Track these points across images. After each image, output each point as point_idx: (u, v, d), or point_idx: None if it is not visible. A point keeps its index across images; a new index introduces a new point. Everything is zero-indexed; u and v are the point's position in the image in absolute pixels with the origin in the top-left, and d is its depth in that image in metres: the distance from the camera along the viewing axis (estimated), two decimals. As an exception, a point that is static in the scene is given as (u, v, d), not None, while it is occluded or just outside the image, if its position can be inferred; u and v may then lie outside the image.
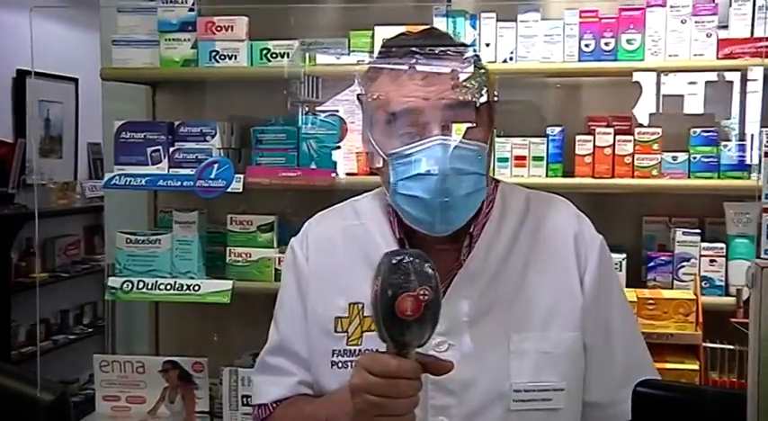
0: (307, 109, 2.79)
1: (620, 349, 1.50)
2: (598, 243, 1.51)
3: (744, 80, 2.65)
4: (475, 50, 1.51)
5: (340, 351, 1.47)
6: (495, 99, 1.49)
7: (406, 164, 1.37)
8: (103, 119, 3.08)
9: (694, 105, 2.64)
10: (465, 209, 1.41)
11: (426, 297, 1.17)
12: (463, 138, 1.37)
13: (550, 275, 1.47)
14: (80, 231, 5.84)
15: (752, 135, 2.60)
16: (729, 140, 2.59)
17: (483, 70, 1.46)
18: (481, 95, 1.43)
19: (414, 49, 1.41)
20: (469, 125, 1.39)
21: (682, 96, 2.64)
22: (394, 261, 1.20)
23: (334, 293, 1.49)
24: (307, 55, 2.75)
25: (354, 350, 1.45)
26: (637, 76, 2.64)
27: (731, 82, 2.64)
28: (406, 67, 1.39)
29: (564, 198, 1.60)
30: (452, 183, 1.35)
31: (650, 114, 2.66)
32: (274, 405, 1.54)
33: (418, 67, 1.39)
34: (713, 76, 2.60)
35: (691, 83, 2.63)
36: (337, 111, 2.75)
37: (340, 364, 1.46)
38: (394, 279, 1.18)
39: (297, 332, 1.53)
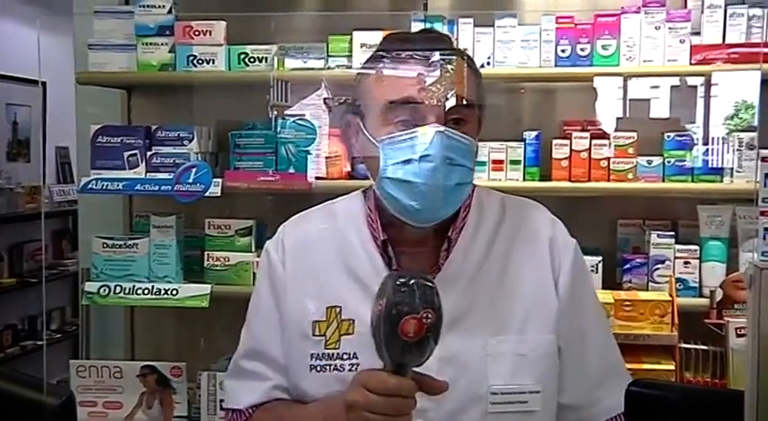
0: (278, 113, 2.79)
1: (593, 351, 1.52)
2: (572, 247, 1.54)
3: (709, 85, 2.69)
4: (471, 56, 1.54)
5: (318, 354, 1.47)
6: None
7: (399, 149, 1.39)
8: (77, 123, 3.06)
9: (668, 110, 2.68)
10: (452, 199, 1.42)
11: (429, 320, 1.19)
12: (458, 130, 1.40)
13: (526, 279, 1.49)
14: (48, 236, 5.78)
15: (721, 139, 2.64)
16: (702, 145, 2.63)
17: (478, 73, 1.50)
18: (475, 95, 1.45)
19: (415, 42, 1.45)
20: (463, 120, 1.41)
21: (656, 101, 2.68)
22: (399, 282, 1.21)
23: (312, 297, 1.49)
24: (284, 59, 2.75)
25: (333, 353, 1.46)
26: (611, 81, 2.68)
27: (703, 87, 2.68)
28: (405, 58, 1.42)
29: (539, 202, 1.62)
30: (444, 172, 1.37)
31: (624, 119, 2.69)
32: (250, 410, 1.53)
33: (418, 59, 1.41)
34: (686, 81, 2.64)
35: (663, 88, 2.67)
36: (303, 115, 2.76)
37: (319, 368, 1.46)
38: (398, 300, 1.19)
39: (272, 336, 1.53)
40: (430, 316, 1.19)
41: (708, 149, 2.60)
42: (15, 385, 1.09)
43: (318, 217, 1.60)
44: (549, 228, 1.54)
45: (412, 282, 1.20)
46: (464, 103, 1.41)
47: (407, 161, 1.38)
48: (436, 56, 1.41)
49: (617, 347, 1.59)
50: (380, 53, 1.47)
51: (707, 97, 2.66)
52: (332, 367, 1.45)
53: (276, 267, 1.55)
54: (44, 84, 5.69)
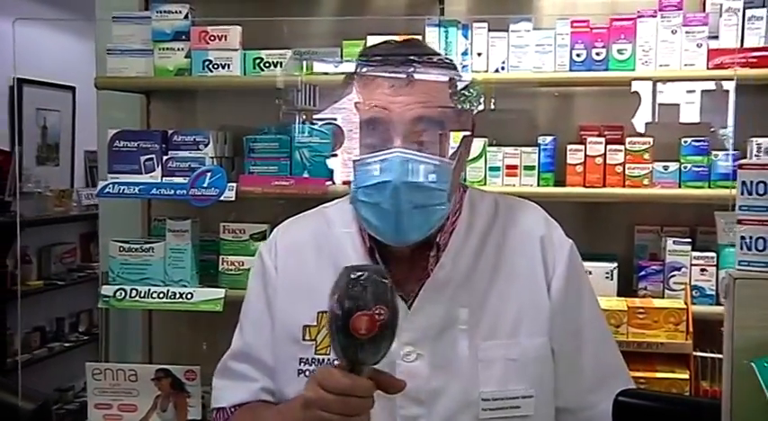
0: (305, 117, 2.80)
1: (589, 354, 1.50)
2: (567, 248, 1.51)
3: (735, 90, 2.65)
4: (453, 62, 1.51)
5: (307, 359, 1.46)
6: (480, 109, 1.50)
7: (365, 172, 1.38)
8: (98, 127, 3.10)
9: (685, 115, 2.64)
10: (422, 222, 1.40)
11: (381, 317, 1.16)
12: (426, 151, 1.38)
13: (518, 281, 1.47)
14: (76, 239, 5.84)
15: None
16: (720, 150, 2.59)
17: (459, 82, 1.47)
18: (453, 108, 1.43)
19: (388, 57, 1.43)
20: (432, 140, 1.39)
21: (672, 106, 2.64)
22: (352, 276, 1.18)
23: (303, 301, 1.49)
24: (302, 64, 2.76)
25: (323, 359, 1.45)
26: (628, 86, 2.65)
27: (721, 92, 2.64)
28: (376, 75, 1.41)
29: (554, 208, 1.60)
30: (407, 196, 1.35)
31: (642, 124, 2.66)
32: (233, 409, 1.54)
33: (387, 76, 1.39)
34: (704, 86, 2.60)
35: (682, 92, 2.63)
36: (335, 119, 2.76)
37: (307, 373, 1.46)
38: (350, 295, 1.17)
39: (262, 339, 1.53)
40: (383, 312, 1.15)
41: (726, 155, 2.56)
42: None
43: (311, 221, 1.60)
44: (542, 227, 1.52)
45: (365, 276, 1.18)
46: (434, 118, 1.39)
47: (374, 185, 1.37)
48: (408, 71, 1.39)
49: (617, 351, 1.57)
50: (357, 69, 1.46)
51: (728, 102, 2.62)
52: None
53: (268, 270, 1.55)
54: (74, 88, 5.77)
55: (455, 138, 1.44)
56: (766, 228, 0.92)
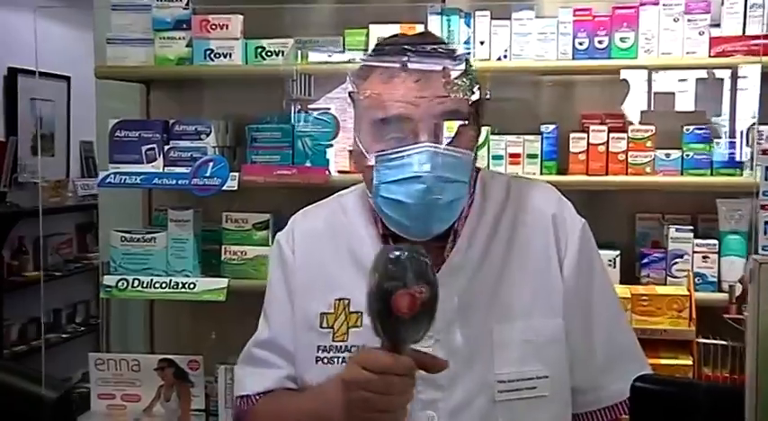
0: (301, 107, 2.79)
1: (600, 335, 1.49)
2: (579, 227, 1.51)
3: (735, 78, 2.66)
4: (467, 54, 1.51)
5: (325, 347, 1.47)
6: (488, 97, 1.49)
7: (391, 167, 1.37)
8: (97, 117, 3.09)
9: (687, 103, 2.65)
10: (446, 216, 1.41)
11: (423, 294, 1.16)
12: (451, 145, 1.38)
13: (531, 263, 1.47)
14: (72, 230, 5.82)
15: (742, 132, 2.61)
16: (721, 137, 2.60)
17: (473, 75, 1.46)
18: (471, 102, 1.43)
19: (407, 47, 1.41)
20: (458, 134, 1.39)
21: (674, 94, 2.65)
22: (391, 256, 1.18)
23: (320, 289, 1.49)
24: (301, 53, 2.75)
25: (340, 346, 1.46)
26: (630, 74, 2.66)
27: (723, 79, 2.65)
28: (397, 66, 1.39)
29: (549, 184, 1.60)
30: (437, 191, 1.35)
31: (643, 112, 2.67)
32: (257, 397, 1.54)
33: (409, 70, 1.38)
34: (705, 74, 2.61)
35: (683, 80, 2.64)
36: (329, 108, 2.76)
37: (325, 360, 1.46)
38: (390, 275, 1.17)
39: (285, 326, 1.53)
40: (424, 290, 1.16)
41: (727, 143, 2.57)
42: (15, 378, 1.10)
43: (328, 209, 1.60)
44: (554, 205, 1.52)
45: (405, 256, 1.18)
46: (458, 112, 1.39)
47: (399, 181, 1.36)
48: (428, 64, 1.38)
49: (631, 332, 1.57)
50: (372, 62, 1.45)
51: (733, 90, 2.64)
52: (339, 360, 1.45)
53: (287, 258, 1.55)
54: (68, 78, 5.75)
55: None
56: (791, 213, 0.92)
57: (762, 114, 2.55)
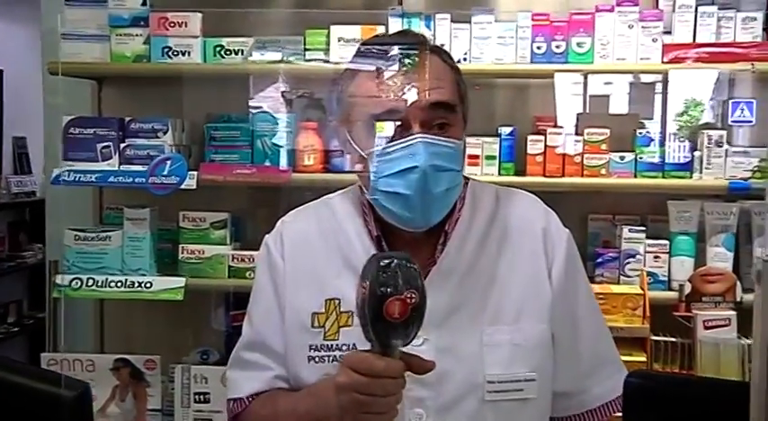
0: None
1: (586, 340, 1.56)
2: (565, 237, 1.57)
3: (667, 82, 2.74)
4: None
5: (317, 346, 1.49)
6: (477, 87, 1.54)
7: (387, 161, 1.41)
8: (45, 114, 3.04)
9: (639, 107, 2.73)
10: (443, 204, 1.46)
11: (413, 300, 1.21)
12: (442, 135, 1.42)
13: (520, 269, 1.52)
14: (4, 228, 5.68)
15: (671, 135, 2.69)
16: (672, 141, 2.69)
17: (457, 67, 1.53)
18: (457, 94, 1.48)
19: (393, 48, 1.46)
20: (448, 124, 1.44)
21: (628, 97, 2.74)
22: (382, 264, 1.23)
23: (311, 290, 1.51)
24: (262, 52, 2.75)
25: (331, 344, 1.48)
26: (583, 78, 2.73)
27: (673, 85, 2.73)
28: (382, 63, 1.44)
29: (533, 194, 1.65)
30: (432, 180, 1.40)
31: (597, 115, 2.74)
32: (250, 399, 1.56)
33: (395, 66, 1.42)
34: (658, 78, 2.70)
35: (636, 85, 2.73)
36: (261, 107, 2.77)
37: (317, 359, 1.48)
38: (382, 282, 1.21)
39: (273, 328, 1.55)
40: (414, 296, 1.21)
41: (678, 146, 2.66)
42: (32, 379, 1.09)
43: (316, 212, 1.62)
44: (543, 218, 1.57)
45: (395, 263, 1.22)
46: (446, 104, 1.44)
47: (396, 174, 1.41)
48: (414, 61, 1.42)
49: (610, 337, 1.64)
50: (359, 62, 1.49)
51: (664, 94, 2.72)
52: (330, 358, 1.47)
53: (276, 261, 1.57)
54: (0, 72, 5.59)
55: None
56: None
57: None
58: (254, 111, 2.78)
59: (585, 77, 2.76)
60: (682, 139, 2.65)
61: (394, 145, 1.41)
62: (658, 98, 2.78)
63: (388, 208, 1.45)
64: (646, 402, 1.17)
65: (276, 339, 1.54)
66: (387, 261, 1.23)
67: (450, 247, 1.50)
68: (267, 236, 1.62)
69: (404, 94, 1.40)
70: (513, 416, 1.47)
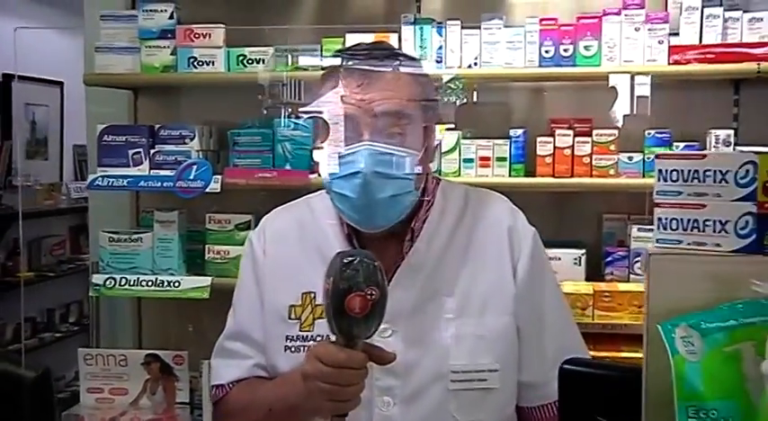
0: (285, 112, 2.89)
1: (551, 333, 1.62)
2: (531, 235, 1.64)
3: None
4: (418, 59, 1.63)
5: (293, 336, 1.59)
6: (463, 102, 1.61)
7: (336, 165, 1.51)
8: (87, 122, 3.20)
9: (648, 108, 2.76)
10: (392, 209, 1.53)
11: (373, 296, 1.28)
12: (393, 143, 1.50)
13: (486, 266, 1.60)
14: (65, 231, 5.93)
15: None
16: (682, 141, 2.71)
17: (425, 78, 1.60)
18: (417, 101, 1.55)
19: (353, 53, 1.55)
20: (399, 131, 1.51)
21: (637, 99, 2.76)
22: (345, 261, 1.31)
23: (289, 283, 1.61)
24: (285, 59, 2.86)
25: (307, 335, 1.58)
26: (594, 81, 2.77)
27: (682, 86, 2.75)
28: (342, 72, 1.52)
29: (525, 197, 1.74)
30: (376, 186, 1.48)
31: (607, 117, 2.77)
32: (231, 385, 1.66)
33: (354, 74, 1.51)
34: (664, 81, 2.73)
35: (644, 86, 2.75)
36: (321, 112, 2.85)
37: (293, 348, 1.59)
38: (344, 278, 1.29)
39: (253, 319, 1.65)
40: (374, 292, 1.28)
41: (686, 146, 2.68)
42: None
43: (297, 210, 1.72)
44: (509, 217, 1.65)
45: (357, 261, 1.30)
46: (400, 112, 1.50)
47: (344, 177, 1.49)
48: (370, 71, 1.50)
49: (576, 331, 1.69)
50: (327, 70, 1.59)
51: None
52: (305, 348, 1.56)
53: (257, 255, 1.67)
54: (62, 84, 5.85)
55: (425, 130, 1.57)
56: (678, 211, 1.04)
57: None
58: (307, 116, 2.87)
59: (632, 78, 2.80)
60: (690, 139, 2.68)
61: (344, 150, 1.50)
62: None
63: (340, 208, 1.54)
64: (578, 387, 1.23)
65: (256, 329, 1.64)
66: (350, 258, 1.31)
67: (420, 244, 1.58)
68: (251, 232, 1.73)
69: (356, 101, 1.49)
70: (476, 404, 1.55)
